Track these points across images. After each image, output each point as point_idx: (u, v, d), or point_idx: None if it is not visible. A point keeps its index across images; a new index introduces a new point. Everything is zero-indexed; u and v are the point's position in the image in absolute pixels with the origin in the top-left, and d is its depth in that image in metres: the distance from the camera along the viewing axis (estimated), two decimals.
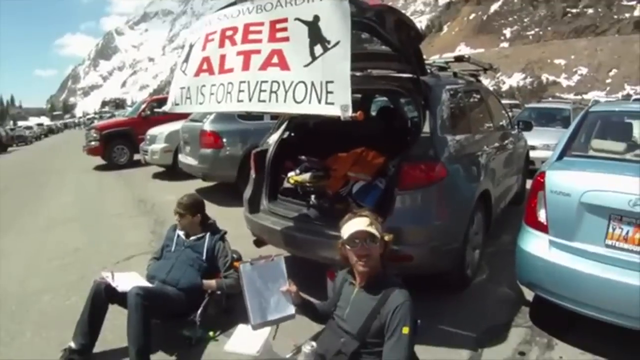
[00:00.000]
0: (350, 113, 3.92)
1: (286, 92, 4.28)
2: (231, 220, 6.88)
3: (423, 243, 5.23)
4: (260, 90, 4.45)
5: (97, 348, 4.87)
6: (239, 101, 4.60)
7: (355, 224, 3.64)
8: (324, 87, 4.06)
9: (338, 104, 3.97)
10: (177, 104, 5.31)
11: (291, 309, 4.04)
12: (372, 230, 3.58)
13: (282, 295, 4.03)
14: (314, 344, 3.53)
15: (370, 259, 3.58)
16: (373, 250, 3.58)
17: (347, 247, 3.64)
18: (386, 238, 3.66)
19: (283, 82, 4.31)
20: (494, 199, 6.73)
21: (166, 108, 5.49)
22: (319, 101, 4.07)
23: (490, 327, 5.26)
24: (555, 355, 4.78)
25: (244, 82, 4.57)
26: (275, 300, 4.03)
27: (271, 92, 4.37)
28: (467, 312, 5.60)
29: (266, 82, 4.42)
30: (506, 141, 8.20)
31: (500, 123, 8.62)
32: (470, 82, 7.84)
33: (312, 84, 4.12)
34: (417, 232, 5.23)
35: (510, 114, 10.86)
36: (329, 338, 3.71)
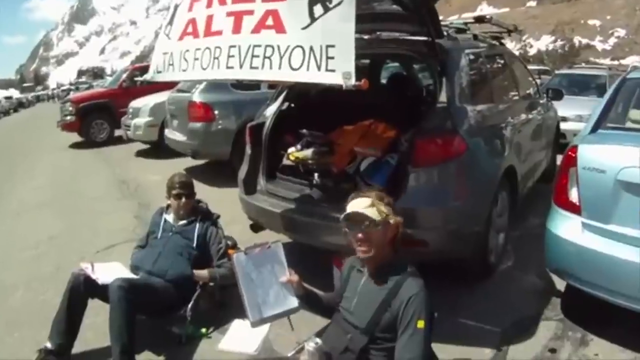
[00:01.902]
0: (353, 81, 3.85)
1: (281, 57, 4.22)
2: (225, 203, 6.90)
3: (440, 226, 5.24)
4: (253, 56, 4.39)
5: (76, 348, 4.86)
6: (228, 68, 4.56)
7: (354, 204, 3.63)
8: (323, 52, 4.01)
9: (340, 71, 3.91)
10: (159, 72, 5.28)
11: (294, 302, 4.01)
12: (370, 212, 3.54)
13: (282, 286, 4.00)
14: (318, 340, 3.50)
15: (370, 244, 3.55)
16: (373, 235, 3.54)
17: (346, 230, 3.64)
18: (392, 221, 3.61)
19: (278, 47, 4.25)
20: (520, 177, 6.73)
21: (147, 76, 5.47)
22: (319, 68, 4.02)
23: (517, 321, 5.25)
24: (590, 352, 4.76)
25: (234, 46, 4.53)
26: (275, 292, 4.00)
27: (265, 57, 4.32)
28: (491, 303, 5.59)
29: (259, 46, 4.37)
30: (534, 112, 8.19)
31: (527, 91, 8.61)
32: (493, 45, 7.81)
33: (311, 48, 4.07)
34: (433, 214, 5.23)
35: (538, 81, 10.82)
36: (335, 333, 3.70)
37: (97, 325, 5.03)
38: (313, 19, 4.09)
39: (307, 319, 4.37)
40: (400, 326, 3.33)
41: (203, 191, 6.35)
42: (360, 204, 3.59)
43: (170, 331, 5.08)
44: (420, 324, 3.27)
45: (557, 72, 23.12)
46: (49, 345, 4.73)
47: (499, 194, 6.01)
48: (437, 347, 3.67)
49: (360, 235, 3.55)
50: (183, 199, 5.58)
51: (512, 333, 5.03)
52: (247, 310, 3.92)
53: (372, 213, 3.53)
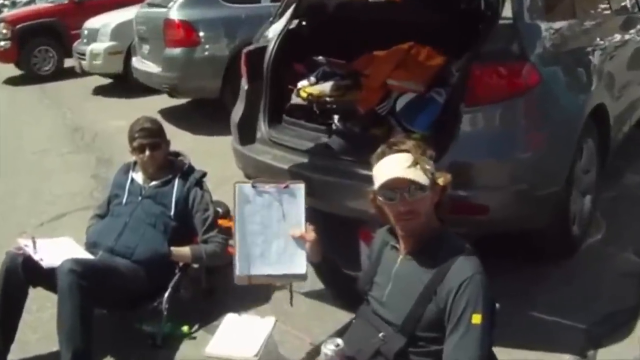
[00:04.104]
0: None
1: None
2: (213, 156, 6.92)
3: (504, 186, 5.21)
4: None
5: (14, 354, 4.85)
6: None
7: (390, 166, 3.43)
8: None
9: None
10: None
11: (301, 266, 3.82)
12: (416, 176, 3.33)
13: (292, 241, 3.83)
14: (339, 341, 3.45)
15: (415, 215, 3.39)
16: (419, 203, 3.36)
17: (381, 199, 3.48)
18: (440, 181, 3.46)
19: None
20: (613, 119, 6.67)
21: None
22: None
23: (609, 314, 5.22)
24: None
25: None
26: (279, 246, 3.83)
27: None
28: (573, 291, 5.56)
29: None
30: (631, 31, 8.11)
31: (622, 3, 8.49)
32: None
33: None
34: (495, 170, 5.23)
35: None
36: (362, 332, 3.65)
37: (41, 323, 5.06)
38: None
39: (323, 313, 4.36)
40: (450, 322, 3.23)
41: (184, 141, 6.36)
42: (398, 164, 3.39)
43: (140, 330, 5.08)
44: (476, 318, 3.15)
45: None
46: None
47: (583, 143, 5.96)
48: (499, 351, 3.63)
49: (401, 208, 3.37)
50: (147, 152, 5.39)
51: (603, 331, 5.00)
52: (236, 258, 3.81)
53: (417, 175, 3.33)
